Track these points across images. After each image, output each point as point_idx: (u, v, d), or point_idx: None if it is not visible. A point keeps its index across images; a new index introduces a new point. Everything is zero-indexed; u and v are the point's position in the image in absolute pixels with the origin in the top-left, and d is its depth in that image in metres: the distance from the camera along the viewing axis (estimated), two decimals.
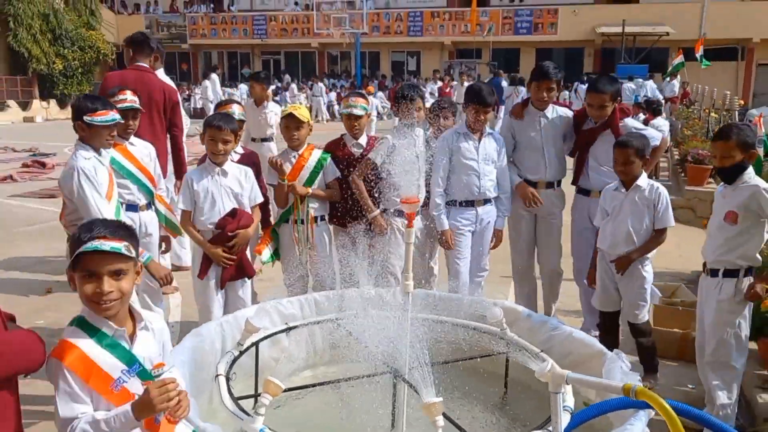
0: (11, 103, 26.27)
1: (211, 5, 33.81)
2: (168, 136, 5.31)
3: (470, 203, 4.49)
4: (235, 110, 4.66)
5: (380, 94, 27.12)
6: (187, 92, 29.02)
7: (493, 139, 4.55)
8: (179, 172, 5.34)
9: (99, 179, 3.54)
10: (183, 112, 5.75)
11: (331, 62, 34.04)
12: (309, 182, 4.39)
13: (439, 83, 24.80)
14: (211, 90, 23.71)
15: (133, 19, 33.48)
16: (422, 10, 30.85)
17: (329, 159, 4.45)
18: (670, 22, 26.82)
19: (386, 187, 4.32)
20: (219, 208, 3.91)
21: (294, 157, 4.39)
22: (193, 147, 8.78)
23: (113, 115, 3.58)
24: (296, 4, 33.08)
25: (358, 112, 4.44)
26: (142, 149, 4.26)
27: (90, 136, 3.57)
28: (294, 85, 27.43)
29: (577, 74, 24.67)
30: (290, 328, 3.58)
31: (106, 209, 3.53)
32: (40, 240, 7.55)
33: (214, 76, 24.03)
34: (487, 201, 4.53)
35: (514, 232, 4.85)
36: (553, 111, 4.63)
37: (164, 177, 5.17)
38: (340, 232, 4.55)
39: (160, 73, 5.76)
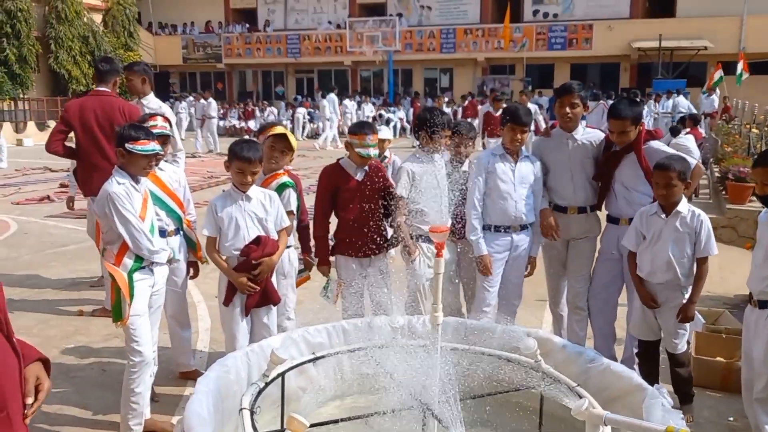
0: (51, 123, 26.90)
1: (246, 25, 34.32)
2: None
3: (505, 229, 4.37)
4: (370, 141, 4.39)
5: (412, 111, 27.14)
6: (222, 111, 29.48)
7: (529, 162, 4.42)
8: None
9: (132, 204, 3.61)
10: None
11: (364, 80, 34.21)
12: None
13: (465, 102, 24.46)
14: (330, 109, 23.14)
15: (170, 40, 34.19)
16: (455, 26, 30.86)
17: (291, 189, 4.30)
18: (708, 35, 26.32)
19: (410, 214, 4.28)
20: (243, 234, 3.88)
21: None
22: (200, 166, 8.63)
23: (154, 146, 3.66)
24: (329, 23, 33.39)
25: (373, 152, 4.31)
26: (171, 174, 4.33)
27: (128, 164, 3.64)
28: (326, 102, 27.52)
29: (613, 90, 24.38)
30: (317, 358, 3.50)
31: (141, 224, 3.63)
32: (73, 261, 7.62)
33: (332, 96, 23.49)
34: (523, 227, 4.39)
35: (547, 257, 4.69)
36: (582, 132, 4.45)
37: None
38: (353, 263, 4.39)
39: (151, 97, 5.98)
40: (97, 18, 28.80)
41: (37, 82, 26.13)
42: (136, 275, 3.67)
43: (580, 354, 3.41)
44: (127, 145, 3.58)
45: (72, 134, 5.68)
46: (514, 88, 28.22)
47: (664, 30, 26.55)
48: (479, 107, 18.38)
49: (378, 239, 4.32)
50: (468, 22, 31.35)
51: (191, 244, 4.40)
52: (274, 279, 4.08)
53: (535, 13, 31.25)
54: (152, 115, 4.29)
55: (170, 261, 4.00)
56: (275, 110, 28.70)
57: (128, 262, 3.64)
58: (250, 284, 3.86)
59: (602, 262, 4.43)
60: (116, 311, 3.63)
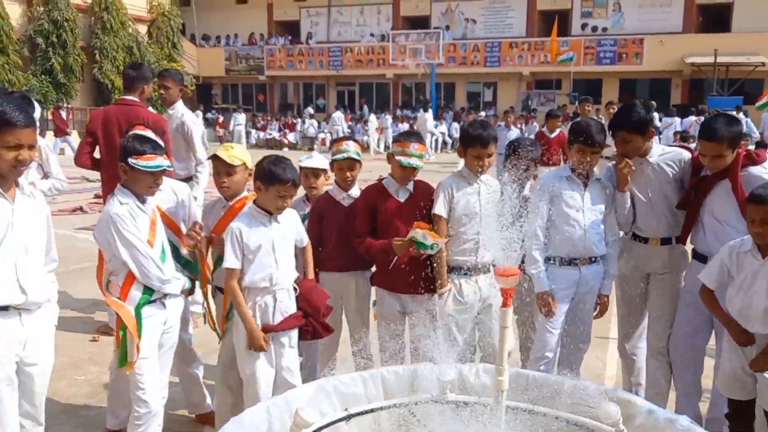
0: None
1: (289, 37, 34.27)
2: None
3: (572, 261, 3.76)
4: (351, 147, 3.99)
5: (455, 124, 26.53)
6: (262, 122, 29.38)
7: (601, 186, 3.82)
8: None
9: (137, 226, 3.14)
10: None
11: (406, 93, 33.78)
12: None
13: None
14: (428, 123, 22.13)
15: (213, 52, 34.32)
16: (500, 40, 30.22)
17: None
18: (766, 51, 25.15)
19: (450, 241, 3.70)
20: (271, 262, 3.34)
21: (224, 208, 3.64)
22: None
23: (161, 161, 3.19)
24: (372, 35, 33.09)
25: (417, 163, 3.70)
26: (169, 194, 3.71)
27: (132, 181, 3.19)
28: (373, 116, 27.18)
29: (663, 106, 23.37)
30: (350, 416, 2.94)
31: (148, 250, 3.16)
32: None
33: (427, 114, 22.60)
34: (593, 260, 3.78)
35: (622, 292, 4.04)
36: (660, 154, 3.81)
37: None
38: (392, 298, 3.85)
39: (178, 106, 5.66)
40: (142, 29, 29.05)
41: (81, 92, 26.37)
42: (146, 310, 3.18)
43: (671, 422, 2.77)
44: (130, 159, 3.13)
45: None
46: (560, 102, 27.43)
47: (719, 45, 25.47)
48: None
49: (421, 273, 3.73)
50: (514, 36, 30.70)
51: (193, 269, 3.74)
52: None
53: (584, 26, 30.44)
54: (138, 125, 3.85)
55: (185, 292, 3.49)
56: (315, 123, 28.45)
57: (135, 294, 3.17)
58: (265, 346, 3.35)
59: (687, 305, 3.76)
60: (122, 353, 3.14)
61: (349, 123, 26.84)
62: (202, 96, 34.01)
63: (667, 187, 3.78)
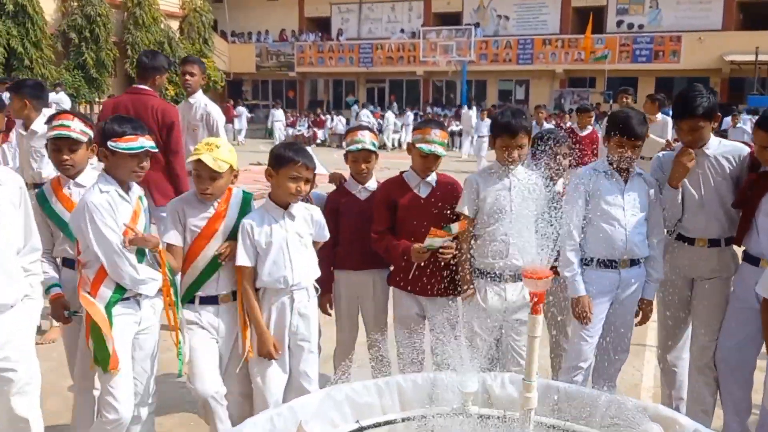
0: None
1: (320, 34, 34.15)
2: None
3: (612, 264, 3.42)
4: (366, 138, 3.71)
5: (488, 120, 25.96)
6: (291, 119, 29.30)
7: (643, 181, 3.48)
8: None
9: (116, 218, 2.86)
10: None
11: (436, 91, 33.43)
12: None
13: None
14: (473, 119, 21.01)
15: (244, 48, 34.35)
16: (533, 37, 29.67)
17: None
18: None
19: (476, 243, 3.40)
20: (285, 262, 3.10)
21: (212, 207, 3.18)
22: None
23: (143, 142, 2.92)
24: (402, 31, 32.80)
25: (440, 150, 3.42)
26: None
27: (114, 166, 2.92)
28: (390, 113, 26.90)
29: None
30: (362, 429, 2.68)
31: (122, 247, 2.87)
32: None
33: (471, 111, 21.64)
34: (634, 262, 3.45)
35: (664, 298, 3.72)
36: (718, 146, 3.48)
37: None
38: (408, 299, 3.59)
39: (199, 95, 5.51)
40: (174, 25, 29.15)
41: (113, 87, 26.51)
42: (117, 309, 2.92)
43: None
44: (110, 143, 2.87)
45: None
46: (594, 100, 26.83)
47: (761, 42, 24.61)
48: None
49: (443, 274, 3.45)
50: (547, 33, 30.13)
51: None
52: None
53: (619, 23, 29.74)
54: (63, 113, 3.46)
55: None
56: (344, 119, 28.28)
57: (106, 291, 2.89)
58: (274, 352, 3.12)
59: (736, 311, 3.43)
60: (100, 355, 2.85)
61: (378, 120, 26.60)
62: (232, 92, 34.12)
63: (722, 183, 3.44)
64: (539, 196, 3.17)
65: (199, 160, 3.01)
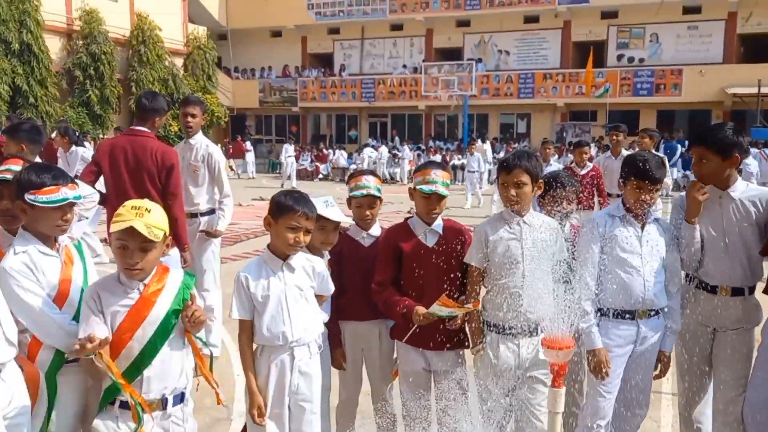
0: None
1: (322, 70, 34.42)
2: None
3: (629, 314, 3.26)
4: (371, 183, 3.51)
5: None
6: (294, 153, 29.34)
7: (660, 227, 3.34)
8: (179, 243, 4.77)
9: (39, 278, 2.61)
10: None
11: (438, 124, 33.55)
12: (162, 335, 2.59)
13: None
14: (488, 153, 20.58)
15: (247, 84, 34.59)
16: (534, 71, 29.85)
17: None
18: None
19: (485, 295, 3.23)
20: (284, 317, 2.93)
21: (137, 290, 2.60)
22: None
23: (66, 192, 2.67)
24: (404, 67, 33.04)
25: (443, 191, 3.24)
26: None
27: (34, 221, 2.65)
28: (407, 147, 26.93)
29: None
30: None
31: (49, 307, 2.62)
32: None
33: (486, 145, 21.48)
34: (652, 312, 3.29)
35: (684, 349, 3.54)
36: (744, 190, 3.34)
37: (181, 248, 4.78)
38: (414, 353, 3.38)
39: (199, 137, 5.44)
40: (178, 62, 29.37)
41: (116, 123, 26.62)
42: (64, 374, 2.65)
43: None
44: (27, 196, 2.61)
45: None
46: (596, 134, 26.85)
47: (763, 75, 24.71)
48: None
49: (448, 327, 3.24)
50: (548, 67, 30.31)
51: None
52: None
53: (620, 57, 29.92)
54: (12, 157, 3.13)
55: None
56: (345, 153, 28.35)
57: (45, 356, 2.63)
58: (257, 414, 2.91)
59: (764, 363, 3.26)
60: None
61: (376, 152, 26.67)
62: (235, 127, 34.26)
63: (747, 229, 3.29)
64: (552, 245, 3.04)
65: (128, 229, 2.48)
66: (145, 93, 5.16)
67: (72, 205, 2.74)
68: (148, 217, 2.51)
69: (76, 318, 2.67)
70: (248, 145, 28.53)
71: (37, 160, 4.87)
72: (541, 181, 3.27)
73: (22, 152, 4.71)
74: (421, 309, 3.10)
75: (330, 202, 3.33)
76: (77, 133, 11.45)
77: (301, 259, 3.04)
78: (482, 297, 3.25)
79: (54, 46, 24.05)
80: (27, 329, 2.64)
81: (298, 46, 35.34)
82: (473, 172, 17.49)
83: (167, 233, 2.60)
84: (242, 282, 2.94)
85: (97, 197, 4.51)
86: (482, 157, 19.16)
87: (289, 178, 23.68)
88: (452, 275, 3.24)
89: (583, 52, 28.38)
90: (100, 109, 25.10)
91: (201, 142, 5.44)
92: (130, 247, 2.50)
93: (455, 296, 3.20)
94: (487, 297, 3.24)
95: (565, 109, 30.15)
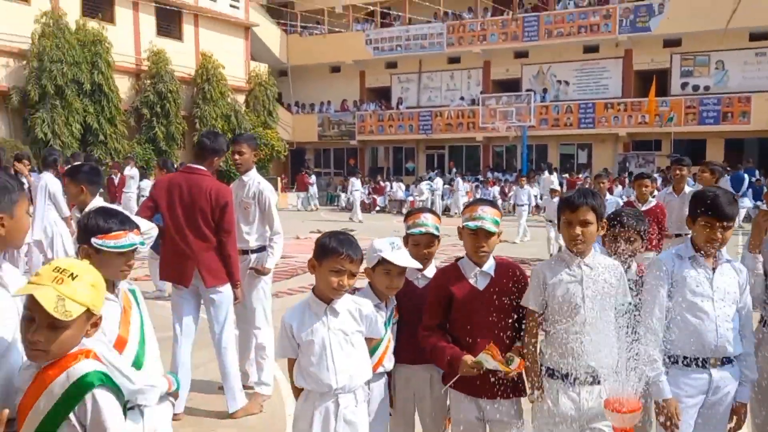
0: None
1: (380, 103, 34.78)
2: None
3: (701, 362, 3.04)
4: (429, 221, 3.42)
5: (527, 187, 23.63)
6: (341, 185, 29.70)
7: (732, 269, 3.13)
8: (231, 280, 4.92)
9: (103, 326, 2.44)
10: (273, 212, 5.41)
11: (496, 156, 33.29)
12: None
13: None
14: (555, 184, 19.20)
15: (306, 118, 35.25)
16: (594, 101, 29.36)
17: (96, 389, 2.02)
18: None
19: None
20: (328, 363, 2.85)
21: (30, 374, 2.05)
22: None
23: (133, 238, 2.68)
24: (462, 99, 33.05)
25: (492, 227, 3.07)
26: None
27: (97, 265, 2.43)
28: (460, 179, 26.77)
29: None
30: None
31: (110, 355, 2.32)
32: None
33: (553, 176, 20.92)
34: (726, 360, 3.06)
35: (758, 400, 3.29)
36: None
37: (233, 284, 4.92)
38: (467, 402, 3.18)
39: (252, 173, 5.46)
40: (240, 98, 30.20)
41: (181, 159, 27.46)
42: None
43: None
44: (94, 240, 2.59)
45: None
46: (660, 164, 26.08)
47: None
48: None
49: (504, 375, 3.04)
50: (609, 97, 29.76)
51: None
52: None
53: (684, 86, 29.14)
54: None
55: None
56: (403, 186, 28.38)
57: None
58: None
59: None
60: None
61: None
62: (295, 161, 34.85)
63: None
64: (615, 289, 2.87)
65: (32, 297, 1.95)
66: (206, 132, 5.23)
67: (135, 251, 2.74)
68: (67, 285, 1.99)
69: (135, 365, 2.59)
70: (312, 178, 28.95)
71: (101, 200, 4.99)
72: (604, 220, 3.11)
73: (81, 194, 4.84)
74: (468, 358, 2.95)
75: (396, 245, 3.19)
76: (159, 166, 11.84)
77: (347, 303, 2.96)
78: (540, 341, 3.09)
79: (123, 85, 25.10)
80: None
81: (357, 80, 35.87)
82: (521, 205, 17.19)
83: (94, 311, 2.08)
84: (286, 329, 2.90)
85: (155, 232, 4.57)
86: (549, 186, 18.68)
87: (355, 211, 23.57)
88: (505, 318, 3.08)
89: (646, 80, 27.78)
90: (165, 145, 25.95)
91: (253, 179, 5.46)
92: (36, 320, 1.96)
93: (509, 340, 3.05)
94: (546, 342, 3.08)
95: (628, 139, 29.48)
